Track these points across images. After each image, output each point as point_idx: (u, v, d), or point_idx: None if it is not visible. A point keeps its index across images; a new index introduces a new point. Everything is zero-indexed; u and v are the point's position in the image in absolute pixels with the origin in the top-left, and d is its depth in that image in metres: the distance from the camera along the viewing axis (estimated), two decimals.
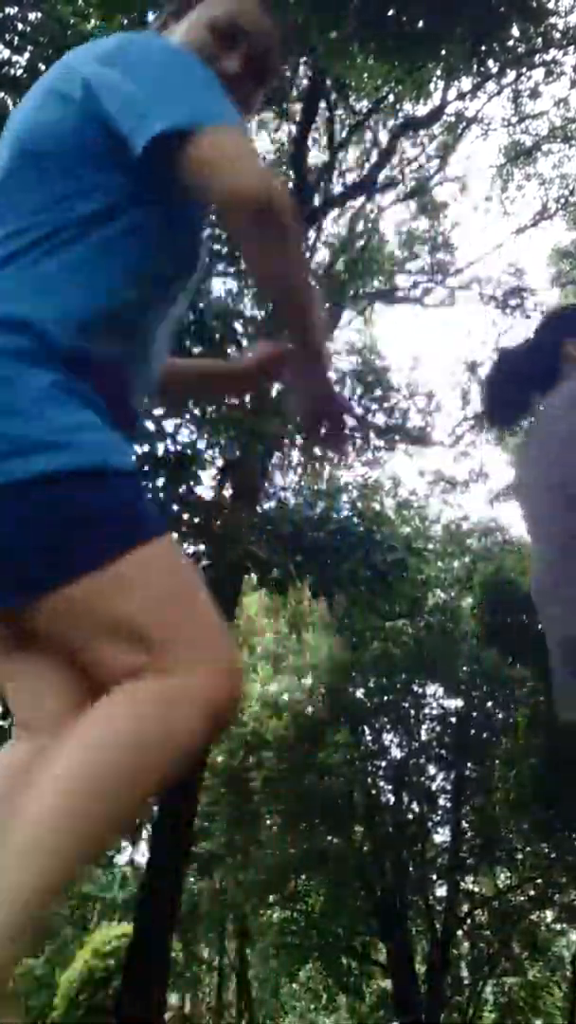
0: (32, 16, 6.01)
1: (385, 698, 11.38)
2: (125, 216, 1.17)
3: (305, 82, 11.10)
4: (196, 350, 5.39)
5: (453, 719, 11.39)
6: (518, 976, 12.74)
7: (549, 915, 12.45)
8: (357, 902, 11.14)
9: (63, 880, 1.00)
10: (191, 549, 5.28)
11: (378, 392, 12.23)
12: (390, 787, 11.71)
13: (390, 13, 4.58)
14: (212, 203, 1.21)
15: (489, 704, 11.37)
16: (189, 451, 5.34)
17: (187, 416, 5.32)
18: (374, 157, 12.09)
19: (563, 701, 1.65)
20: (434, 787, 11.68)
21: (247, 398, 5.55)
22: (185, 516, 5.30)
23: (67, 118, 1.17)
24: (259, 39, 1.35)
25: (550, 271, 13.90)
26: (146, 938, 7.47)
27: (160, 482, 5.28)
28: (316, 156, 11.96)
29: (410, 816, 11.55)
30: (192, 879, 13.03)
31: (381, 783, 11.74)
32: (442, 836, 11.72)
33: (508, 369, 2.03)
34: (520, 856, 11.51)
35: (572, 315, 2.02)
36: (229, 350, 5.46)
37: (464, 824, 11.53)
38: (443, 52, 4.92)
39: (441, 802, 11.63)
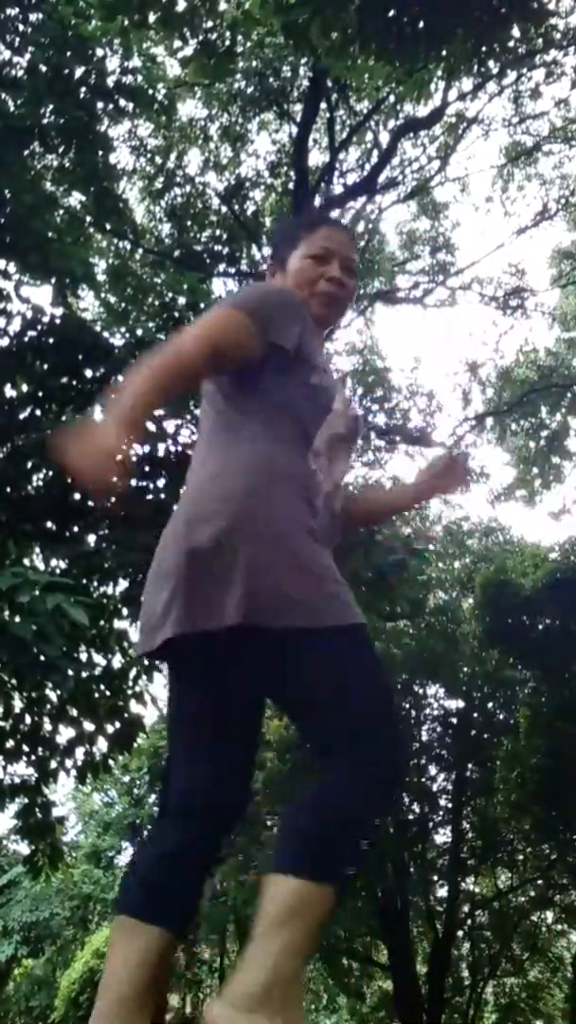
0: (33, 17, 6.02)
1: None
2: None
3: (306, 83, 11.11)
4: None
5: (454, 720, 11.39)
6: (519, 977, 12.74)
7: (550, 916, 12.45)
8: (358, 903, 11.13)
9: None
10: None
11: (379, 392, 12.23)
12: None
13: (391, 14, 4.57)
14: None
15: (490, 705, 11.37)
16: (190, 452, 5.33)
17: (187, 416, 5.31)
18: (375, 158, 12.09)
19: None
20: (435, 788, 11.67)
21: None
22: None
23: None
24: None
25: (551, 272, 13.91)
26: None
27: (161, 482, 5.27)
28: (317, 157, 11.98)
29: (411, 816, 11.54)
30: None
31: None
32: (443, 837, 11.72)
33: None
34: (521, 857, 11.51)
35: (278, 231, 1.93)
36: None
37: (465, 825, 11.52)
38: (444, 53, 4.90)
39: (442, 803, 11.62)
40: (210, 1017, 1.26)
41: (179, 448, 5.28)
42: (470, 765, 11.28)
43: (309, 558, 1.46)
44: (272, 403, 1.57)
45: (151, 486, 5.27)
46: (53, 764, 5.28)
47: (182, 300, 5.46)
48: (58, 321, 5.35)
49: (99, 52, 6.50)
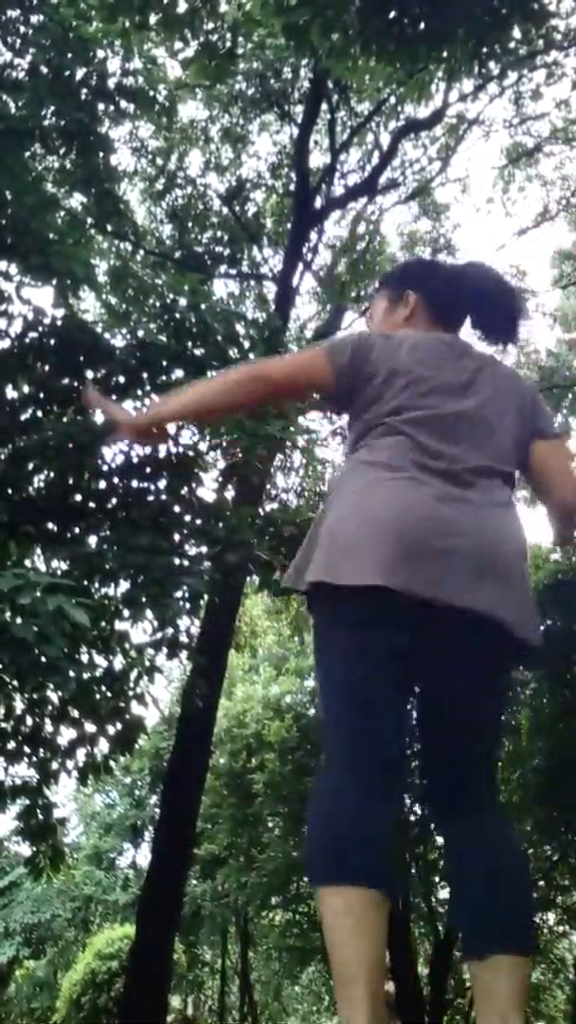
0: (34, 19, 6.03)
1: None
2: None
3: (307, 84, 11.12)
4: (199, 352, 5.39)
5: None
6: None
7: (551, 917, 12.42)
8: None
9: None
10: (193, 551, 5.27)
11: None
12: None
13: (392, 15, 4.57)
14: None
15: None
16: (191, 453, 5.34)
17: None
18: (376, 159, 12.09)
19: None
20: None
21: None
22: (187, 518, 5.30)
23: None
24: None
25: (552, 272, 13.91)
26: (148, 940, 7.47)
27: (162, 484, 5.27)
28: (318, 158, 11.98)
29: (412, 818, 11.53)
30: (194, 881, 13.03)
31: None
32: None
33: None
34: None
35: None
36: (231, 351, 5.46)
37: None
38: (444, 54, 4.90)
39: None
40: None
41: (180, 449, 5.28)
42: None
43: None
44: None
45: (152, 487, 5.27)
46: (54, 765, 5.28)
47: (183, 301, 5.46)
48: (59, 322, 5.36)
49: (100, 54, 6.51)
